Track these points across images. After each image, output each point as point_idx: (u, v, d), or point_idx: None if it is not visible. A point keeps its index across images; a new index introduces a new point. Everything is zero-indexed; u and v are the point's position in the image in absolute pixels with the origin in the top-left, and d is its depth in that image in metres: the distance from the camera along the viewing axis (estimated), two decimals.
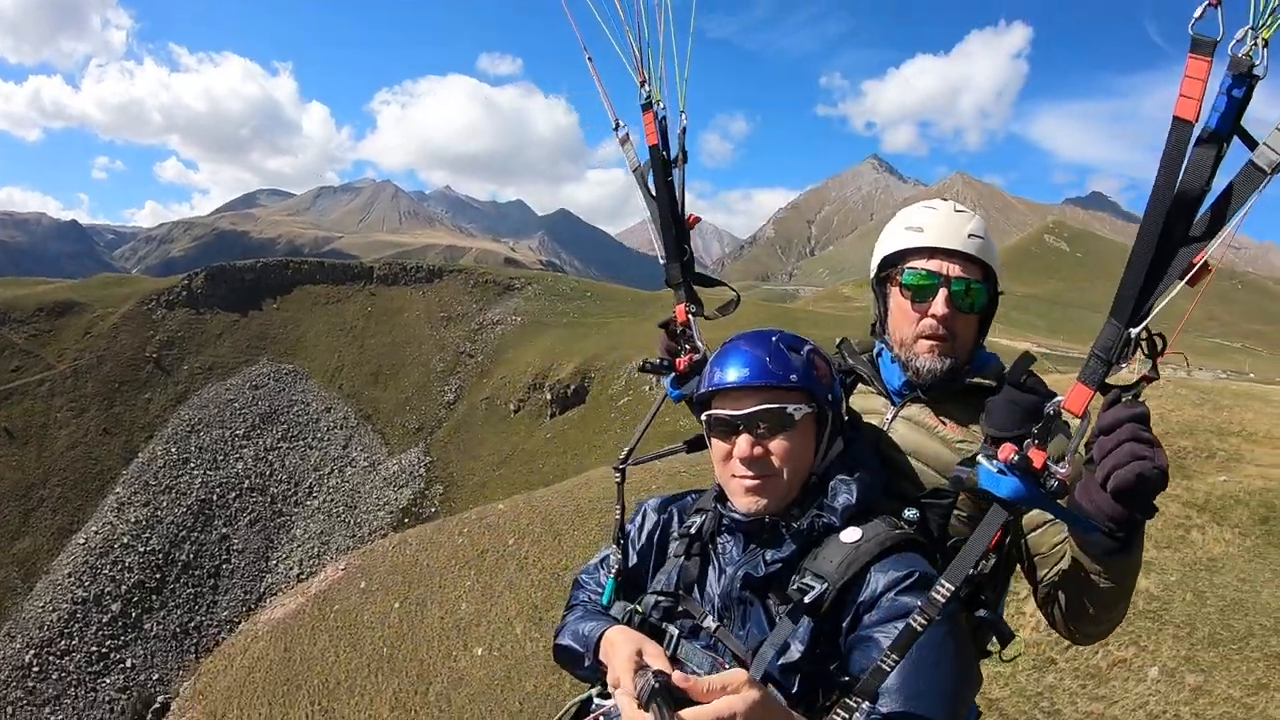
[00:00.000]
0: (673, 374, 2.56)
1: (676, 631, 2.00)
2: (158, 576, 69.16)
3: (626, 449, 2.48)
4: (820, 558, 1.88)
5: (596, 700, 2.04)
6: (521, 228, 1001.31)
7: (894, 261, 2.32)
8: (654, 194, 2.62)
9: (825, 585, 1.81)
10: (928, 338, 2.25)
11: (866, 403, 2.41)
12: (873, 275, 2.42)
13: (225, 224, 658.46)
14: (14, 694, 60.36)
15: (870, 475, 2.06)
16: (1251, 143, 1.41)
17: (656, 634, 1.98)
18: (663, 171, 2.58)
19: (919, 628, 1.58)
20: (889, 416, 2.35)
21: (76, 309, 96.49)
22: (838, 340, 2.57)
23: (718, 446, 2.04)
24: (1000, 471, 1.58)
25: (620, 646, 1.72)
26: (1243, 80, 1.38)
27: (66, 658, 62.57)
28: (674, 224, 2.61)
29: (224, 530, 74.50)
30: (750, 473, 1.96)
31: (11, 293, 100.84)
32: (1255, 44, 1.36)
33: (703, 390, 2.10)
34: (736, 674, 1.44)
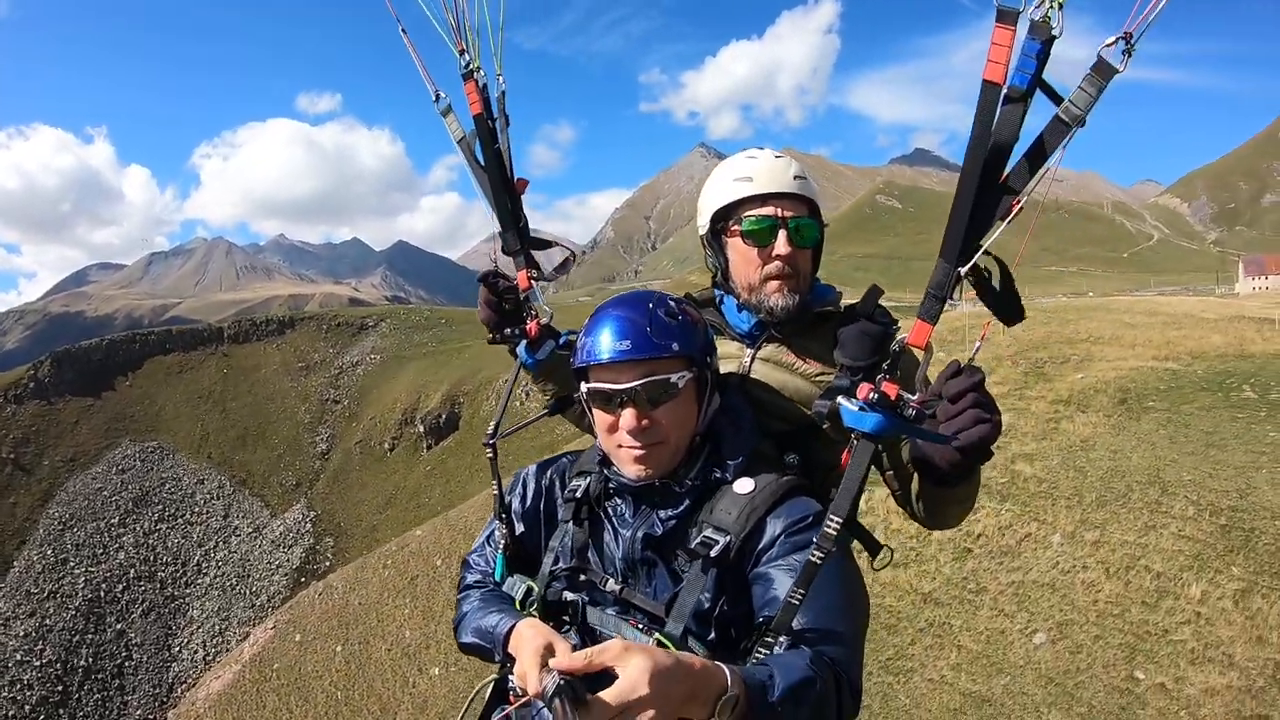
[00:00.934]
0: (524, 341, 2.54)
1: (583, 600, 2.05)
2: (60, 689, 65.74)
3: (493, 423, 2.44)
4: (716, 510, 1.95)
5: (513, 681, 1.92)
6: (361, 266, 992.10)
7: (727, 214, 2.42)
8: (483, 163, 2.59)
9: (729, 537, 1.88)
10: (775, 278, 2.36)
11: (722, 349, 2.43)
12: (704, 231, 2.51)
13: (57, 307, 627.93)
14: None
15: (749, 424, 2.15)
16: (1056, 97, 1.61)
17: (559, 607, 2.07)
18: (490, 139, 2.55)
19: (818, 561, 1.69)
20: (746, 360, 2.44)
21: None
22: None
23: (600, 417, 2.04)
24: (861, 409, 1.73)
25: (527, 643, 1.70)
26: (1042, 41, 1.57)
27: None
28: (505, 190, 2.58)
29: (119, 626, 71.28)
30: (638, 443, 1.98)
31: None
32: (1052, 6, 1.54)
33: (579, 362, 2.07)
34: (611, 644, 1.37)
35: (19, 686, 65.15)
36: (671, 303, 2.07)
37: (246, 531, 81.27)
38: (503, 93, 2.55)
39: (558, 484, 2.28)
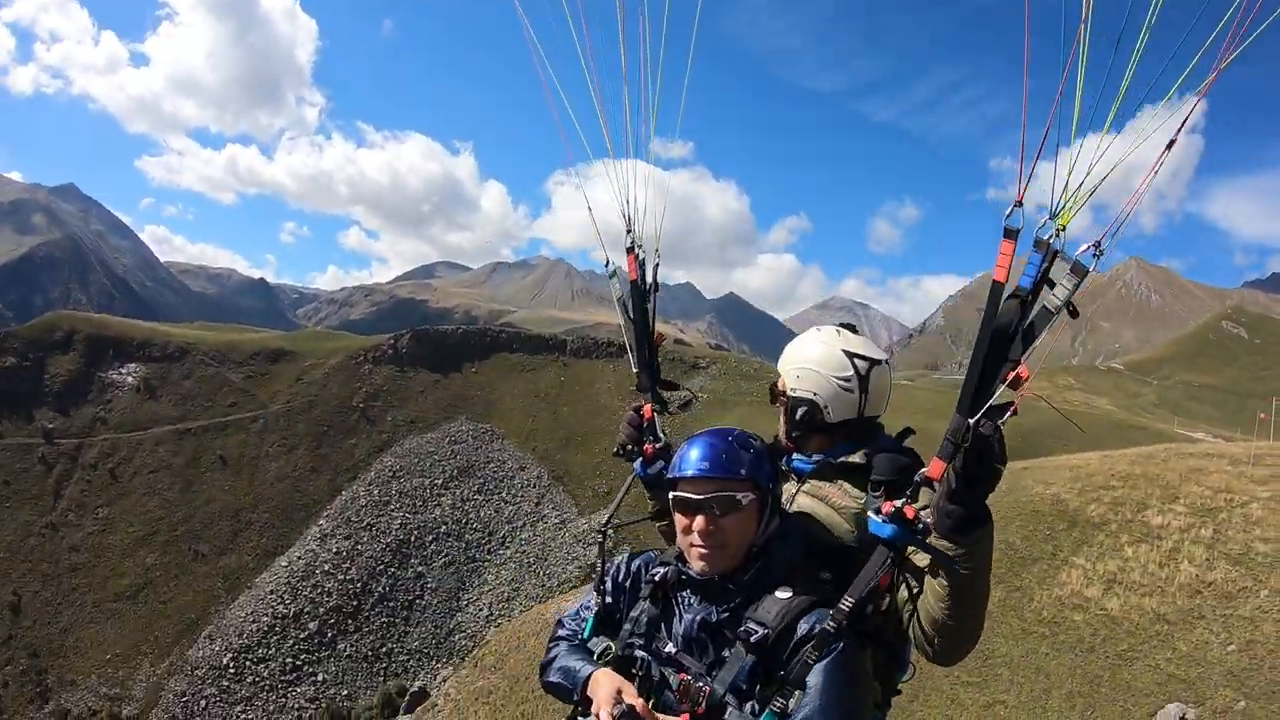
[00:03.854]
0: (639, 459, 3.23)
1: (648, 656, 2.51)
2: (354, 603, 71.82)
3: (607, 515, 3.18)
4: (760, 609, 2.38)
5: None
6: (690, 309, 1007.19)
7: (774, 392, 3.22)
8: (632, 317, 3.38)
9: (767, 630, 2.32)
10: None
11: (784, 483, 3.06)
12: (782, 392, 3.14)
13: (404, 292, 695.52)
14: (208, 690, 64.12)
15: (797, 542, 2.64)
16: (1050, 285, 2.08)
17: (629, 661, 2.53)
18: (641, 300, 3.34)
19: (831, 629, 2.24)
20: (793, 491, 3.01)
21: (289, 357, 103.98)
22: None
23: (679, 520, 2.54)
24: (884, 521, 2.32)
25: (603, 686, 2.32)
26: (1044, 254, 2.08)
27: (263, 665, 65.95)
28: (647, 341, 3.36)
29: (419, 569, 76.71)
30: (704, 544, 2.46)
31: (229, 337, 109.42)
32: (1055, 235, 2.06)
33: (670, 475, 2.58)
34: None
35: (320, 591, 72.18)
36: (749, 438, 2.63)
37: (553, 521, 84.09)
38: (656, 265, 3.38)
39: (643, 570, 2.75)
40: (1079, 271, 2.04)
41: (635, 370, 3.32)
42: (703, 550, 2.47)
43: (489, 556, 79.24)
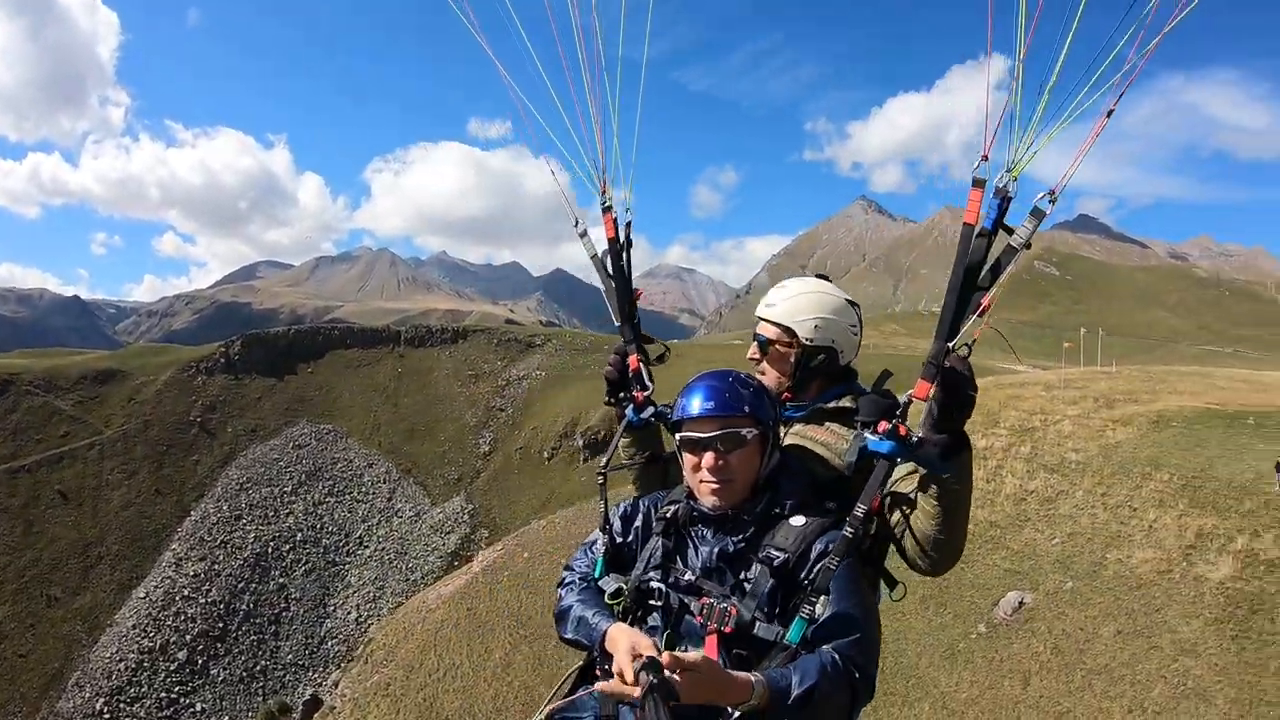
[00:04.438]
0: (631, 405, 3.27)
1: (666, 587, 2.63)
2: (220, 625, 71.39)
3: (605, 458, 3.19)
4: (778, 536, 2.58)
5: (599, 675, 2.57)
6: (518, 289, 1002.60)
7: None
8: (611, 274, 3.40)
9: (788, 555, 2.52)
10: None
11: None
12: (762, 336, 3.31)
13: (226, 296, 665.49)
14: None
15: (801, 476, 2.86)
16: (1009, 230, 2.42)
17: (648, 593, 2.65)
18: (618, 256, 3.38)
19: (850, 534, 2.49)
20: (782, 436, 3.12)
21: (119, 377, 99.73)
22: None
23: (688, 459, 2.71)
24: (881, 439, 2.56)
25: (621, 641, 2.31)
26: (1001, 199, 2.40)
27: (137, 704, 65.10)
28: (626, 297, 3.38)
29: (281, 580, 76.88)
30: (715, 479, 2.63)
31: (51, 363, 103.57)
32: (1009, 181, 2.40)
33: (675, 417, 2.76)
34: (698, 654, 2.16)
35: (183, 618, 71.13)
36: (747, 378, 2.82)
37: (408, 515, 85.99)
38: (629, 223, 3.40)
39: (653, 510, 2.87)
40: (1038, 215, 2.36)
41: (618, 324, 3.38)
42: (714, 485, 2.63)
43: (349, 558, 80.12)
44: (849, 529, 2.48)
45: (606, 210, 3.40)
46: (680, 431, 2.71)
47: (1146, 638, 23.62)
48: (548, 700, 2.68)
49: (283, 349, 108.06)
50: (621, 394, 3.34)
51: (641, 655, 2.11)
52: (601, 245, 3.47)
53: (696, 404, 2.65)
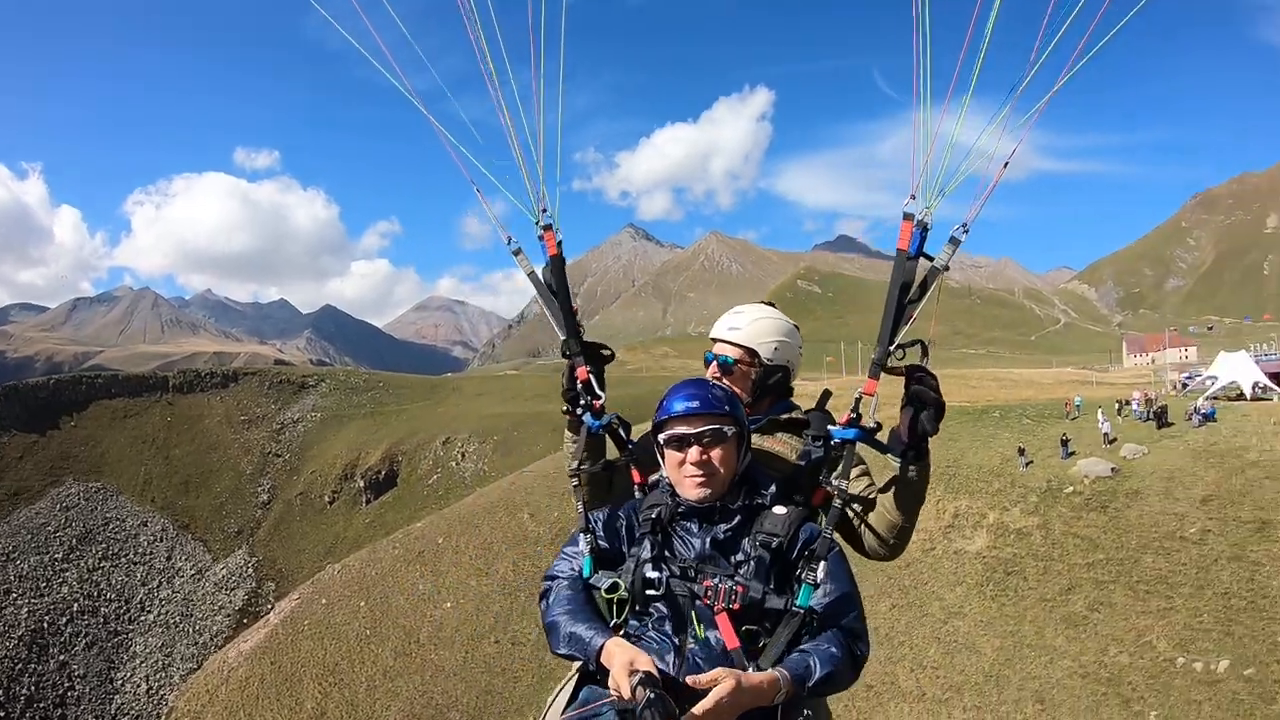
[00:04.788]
0: (589, 413, 3.35)
1: (665, 575, 2.78)
2: (1, 716, 66.60)
3: (574, 462, 3.32)
4: (766, 523, 2.83)
5: (597, 690, 2.61)
6: (287, 328, 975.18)
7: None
8: (553, 290, 3.41)
9: (780, 538, 2.77)
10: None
11: None
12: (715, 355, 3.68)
13: None
14: None
15: (770, 474, 3.16)
16: (929, 258, 2.88)
17: (646, 583, 2.78)
18: (561, 273, 3.44)
19: (839, 505, 2.91)
20: None
21: None
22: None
23: (672, 456, 2.93)
24: (844, 428, 3.07)
25: (617, 656, 2.38)
26: (921, 229, 2.87)
27: None
28: (569, 312, 3.43)
29: (61, 658, 72.23)
30: (700, 473, 2.86)
31: None
32: (926, 217, 2.86)
33: (660, 417, 2.98)
34: (718, 672, 2.29)
35: None
36: (720, 385, 3.15)
37: (189, 573, 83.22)
38: (560, 241, 3.44)
39: (634, 514, 3.04)
40: (954, 242, 2.81)
41: (563, 339, 3.39)
42: (699, 478, 2.83)
43: (132, 626, 76.64)
44: (838, 500, 2.92)
45: (548, 228, 3.40)
46: (665, 431, 2.95)
47: (919, 607, 28.96)
48: (549, 702, 2.95)
49: (43, 401, 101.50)
50: (581, 404, 3.40)
51: (639, 670, 2.26)
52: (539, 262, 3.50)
53: (680, 403, 2.92)
